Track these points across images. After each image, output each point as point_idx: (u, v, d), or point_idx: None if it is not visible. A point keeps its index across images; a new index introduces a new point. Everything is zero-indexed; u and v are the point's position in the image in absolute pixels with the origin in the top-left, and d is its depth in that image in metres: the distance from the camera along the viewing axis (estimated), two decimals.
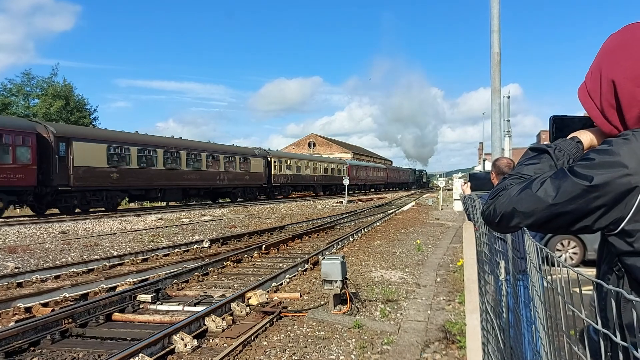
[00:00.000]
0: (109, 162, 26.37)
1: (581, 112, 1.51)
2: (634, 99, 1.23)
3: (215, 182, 35.63)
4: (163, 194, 31.16)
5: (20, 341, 5.70)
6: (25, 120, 24.35)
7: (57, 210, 24.54)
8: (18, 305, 7.28)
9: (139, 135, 30.59)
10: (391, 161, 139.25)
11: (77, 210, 24.90)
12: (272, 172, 43.37)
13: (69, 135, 24.43)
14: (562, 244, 10.19)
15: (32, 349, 5.79)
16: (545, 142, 1.45)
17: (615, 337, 0.90)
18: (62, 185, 23.54)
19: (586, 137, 1.41)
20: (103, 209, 25.97)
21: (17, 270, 10.36)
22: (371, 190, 72.29)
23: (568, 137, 1.42)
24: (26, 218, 22.43)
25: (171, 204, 33.06)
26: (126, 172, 27.50)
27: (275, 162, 44.00)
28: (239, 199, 38.75)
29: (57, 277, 9.84)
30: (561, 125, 1.51)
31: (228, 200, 38.38)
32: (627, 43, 1.26)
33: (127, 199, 29.68)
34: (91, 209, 25.93)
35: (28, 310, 7.28)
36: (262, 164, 41.78)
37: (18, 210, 25.86)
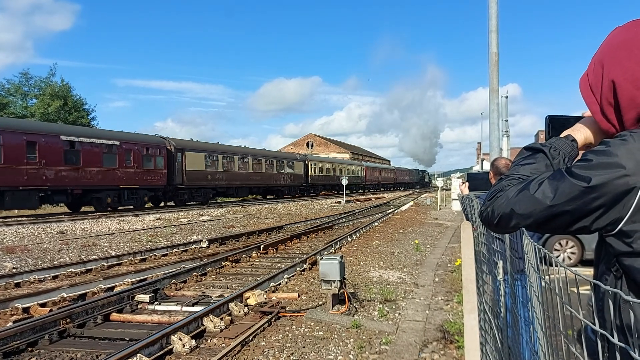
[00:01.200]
0: (205, 167, 35.06)
1: (578, 112, 1.51)
2: (632, 101, 1.23)
3: (270, 182, 44.38)
4: (237, 191, 39.76)
5: (18, 341, 5.69)
6: (159, 137, 32.58)
7: (183, 203, 34.00)
8: (16, 305, 7.27)
9: (222, 145, 40.05)
10: (389, 161, 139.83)
11: (187, 203, 34.20)
12: (310, 174, 52.07)
13: (183, 147, 33.14)
14: (560, 243, 10.20)
15: (30, 349, 5.78)
16: (540, 142, 1.45)
17: (613, 337, 0.90)
18: (179, 184, 32.44)
19: (580, 136, 1.41)
20: (199, 202, 34.27)
21: (15, 270, 10.34)
22: (381, 189, 79.63)
23: (562, 136, 1.42)
24: (24, 218, 22.40)
25: (169, 204, 33.80)
26: (215, 174, 36.18)
27: (311, 165, 52.43)
28: (285, 196, 46.98)
29: (55, 277, 9.84)
30: (557, 125, 1.51)
31: (274, 196, 46.10)
32: (630, 42, 1.25)
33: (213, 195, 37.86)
34: (188, 202, 34.45)
35: (26, 310, 7.27)
36: (302, 166, 50.36)
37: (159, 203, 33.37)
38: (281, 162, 46.35)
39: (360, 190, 67.16)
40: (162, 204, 33.04)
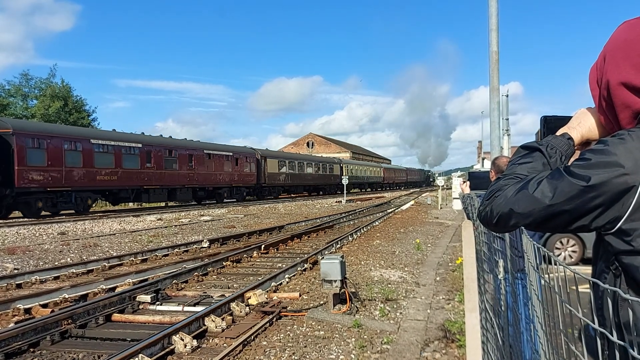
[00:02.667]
0: (278, 170, 45.77)
1: (574, 112, 1.51)
2: (623, 102, 1.24)
3: (318, 181, 55.49)
4: (296, 189, 50.67)
5: (19, 342, 5.70)
6: (250, 149, 42.81)
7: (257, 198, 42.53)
8: (17, 306, 7.28)
9: (286, 153, 54.86)
10: (390, 160, 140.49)
11: (268, 197, 44.05)
12: (345, 175, 56.00)
13: (265, 155, 43.87)
14: (561, 242, 10.20)
15: (31, 350, 5.79)
16: (537, 140, 1.44)
17: (612, 336, 0.90)
18: (263, 183, 43.02)
19: (576, 134, 1.41)
20: (235, 200, 39.13)
21: (16, 271, 10.36)
22: (395, 187, 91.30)
23: (558, 134, 1.42)
24: (25, 219, 22.43)
25: (170, 204, 34.32)
26: (284, 176, 46.72)
27: (345, 167, 63.26)
28: (327, 194, 55.44)
29: (56, 278, 9.85)
30: (551, 125, 1.51)
31: (321, 193, 56.48)
32: (631, 43, 1.24)
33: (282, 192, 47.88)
34: (267, 197, 44.35)
35: (27, 311, 7.28)
36: (338, 168, 60.94)
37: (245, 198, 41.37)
38: (325, 166, 58.18)
39: (379, 188, 79.60)
40: (235, 199, 41.04)
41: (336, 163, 62.37)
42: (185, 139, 36.28)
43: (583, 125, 1.42)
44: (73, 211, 25.39)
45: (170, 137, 34.10)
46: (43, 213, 23.95)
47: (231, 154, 38.62)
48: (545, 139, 1.41)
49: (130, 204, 33.78)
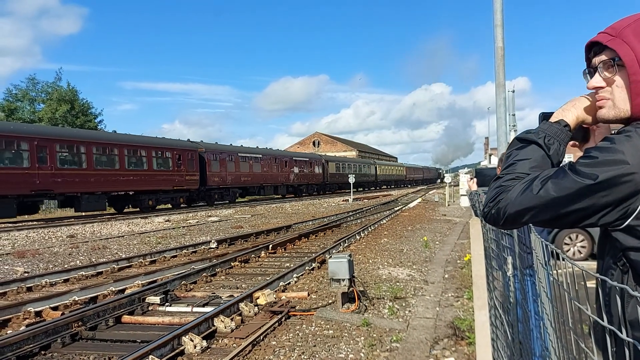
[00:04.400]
0: (336, 170, 58.12)
1: None
2: None
3: (361, 179, 66.35)
4: (343, 186, 59.75)
5: (31, 345, 5.75)
6: (318, 155, 56.75)
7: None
8: (28, 309, 7.33)
9: (338, 157, 66.11)
10: (397, 158, 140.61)
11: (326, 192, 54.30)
12: (378, 173, 75.38)
13: (327, 160, 57.02)
14: (570, 237, 10.14)
15: (43, 352, 5.83)
16: (531, 129, 1.41)
17: (621, 332, 0.90)
18: (326, 182, 55.45)
19: (571, 116, 1.38)
20: (332, 191, 49.54)
21: (26, 274, 10.44)
22: (413, 184, 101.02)
23: (552, 120, 1.39)
24: (34, 222, 22.59)
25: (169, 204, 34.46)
26: (337, 175, 57.63)
27: (381, 167, 78.34)
28: (364, 190, 65.90)
29: (66, 280, 9.91)
30: None
31: (360, 189, 66.53)
32: None
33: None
34: (328, 192, 56.18)
35: (38, 314, 7.33)
36: (374, 169, 74.07)
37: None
38: (364, 165, 70.97)
39: (402, 185, 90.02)
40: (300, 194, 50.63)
41: (372, 164, 76.08)
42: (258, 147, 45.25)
43: (578, 106, 1.39)
44: (227, 201, 37.77)
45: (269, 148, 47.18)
46: (216, 203, 36.21)
47: (307, 159, 51.37)
48: (540, 127, 1.38)
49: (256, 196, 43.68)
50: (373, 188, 70.71)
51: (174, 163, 31.18)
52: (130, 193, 28.59)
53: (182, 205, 32.58)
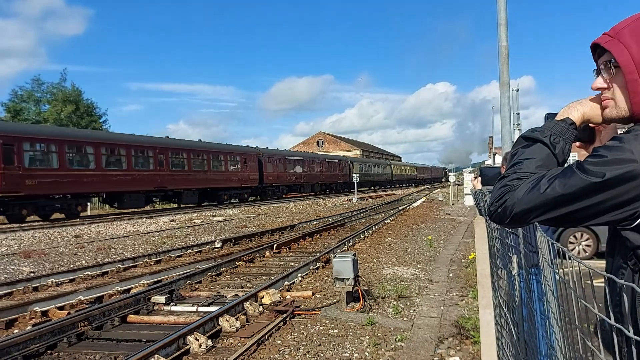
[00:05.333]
0: (359, 170, 60.74)
1: None
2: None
3: (380, 178, 74.26)
4: (375, 184, 71.22)
5: (37, 344, 5.78)
6: (345, 157, 64.16)
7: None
8: (34, 309, 7.37)
9: (365, 159, 75.87)
10: (401, 157, 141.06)
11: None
12: (393, 173, 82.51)
13: (353, 161, 63.70)
14: (575, 236, 10.12)
15: (49, 352, 5.86)
16: (537, 127, 1.40)
17: (629, 331, 0.90)
18: (350, 180, 51.72)
19: (577, 113, 1.38)
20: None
21: (32, 274, 10.49)
22: (422, 183, 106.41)
23: (558, 118, 1.38)
24: (40, 223, 22.69)
25: (182, 205, 34.60)
26: (361, 174, 55.68)
27: (396, 167, 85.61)
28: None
29: (72, 280, 9.95)
30: None
31: (378, 187, 73.04)
32: None
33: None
34: (352, 189, 53.38)
35: (44, 313, 7.36)
36: (390, 168, 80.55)
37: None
38: (384, 166, 78.90)
39: (412, 185, 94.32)
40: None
41: (388, 164, 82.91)
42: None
43: (584, 104, 1.38)
44: (276, 197, 43.41)
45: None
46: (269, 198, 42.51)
47: (336, 161, 60.18)
48: (545, 125, 1.38)
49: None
50: (389, 186, 78.70)
51: (242, 165, 38.82)
52: (207, 189, 35.13)
53: (249, 200, 41.22)
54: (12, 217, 22.26)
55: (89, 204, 28.80)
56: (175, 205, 34.09)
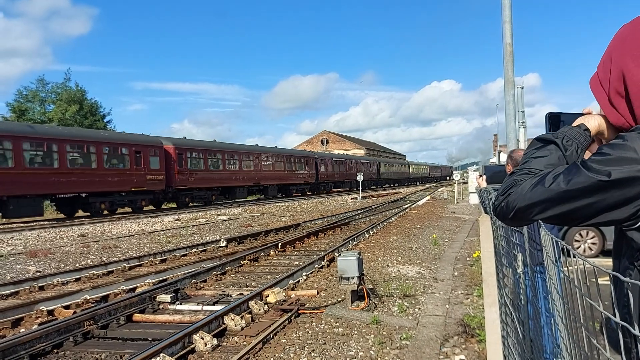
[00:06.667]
0: (385, 169, 72.91)
1: (586, 105, 1.49)
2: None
3: (399, 176, 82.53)
4: (392, 182, 79.14)
5: (43, 343, 5.81)
6: (374, 158, 76.00)
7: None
8: (41, 308, 7.41)
9: (386, 160, 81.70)
10: (405, 155, 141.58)
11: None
12: (411, 171, 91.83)
13: (380, 162, 74.40)
14: (580, 234, 10.08)
15: (55, 351, 5.90)
16: (552, 132, 1.42)
17: (634, 329, 0.89)
18: (379, 178, 71.15)
19: (593, 123, 1.38)
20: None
21: (38, 273, 10.54)
22: (433, 180, 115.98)
23: (574, 125, 1.39)
24: (46, 222, 22.80)
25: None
26: (387, 172, 71.96)
27: (413, 167, 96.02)
28: (399, 185, 77.55)
29: (77, 279, 9.99)
30: (556, 122, 1.50)
31: (396, 184, 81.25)
32: (638, 31, 1.24)
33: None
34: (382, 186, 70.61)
35: (50, 312, 7.40)
36: (408, 167, 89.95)
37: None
38: (403, 166, 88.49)
39: (426, 181, 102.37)
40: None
41: (406, 164, 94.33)
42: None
43: (602, 117, 1.39)
44: (326, 191, 53.44)
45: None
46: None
47: (343, 160, 62.14)
48: (561, 129, 1.39)
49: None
50: (407, 183, 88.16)
51: (305, 165, 49.25)
52: (275, 185, 44.17)
53: (307, 193, 50.09)
54: (181, 203, 32.67)
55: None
56: (263, 196, 43.36)
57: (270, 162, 43.46)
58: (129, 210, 28.58)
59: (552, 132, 1.40)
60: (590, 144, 1.38)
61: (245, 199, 40.82)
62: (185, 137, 35.71)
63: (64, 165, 23.86)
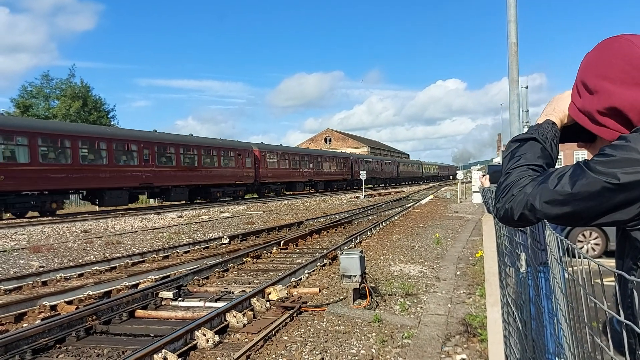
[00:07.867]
0: (403, 168, 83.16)
1: None
2: (633, 105, 1.22)
3: (413, 175, 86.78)
4: (404, 180, 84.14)
5: (46, 338, 5.83)
6: (390, 158, 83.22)
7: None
8: (43, 303, 7.43)
9: (405, 160, 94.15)
10: (408, 154, 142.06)
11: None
12: (423, 171, 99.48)
13: (399, 162, 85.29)
14: (583, 235, 10.06)
15: (57, 346, 5.92)
16: (523, 132, 1.51)
17: (639, 328, 0.89)
18: (398, 176, 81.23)
19: (555, 119, 1.46)
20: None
21: (41, 269, 10.58)
22: (441, 179, 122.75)
23: (540, 121, 1.47)
24: (50, 218, 22.88)
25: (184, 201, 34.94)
26: (405, 171, 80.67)
27: (425, 166, 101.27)
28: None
29: (80, 275, 10.02)
30: None
31: (410, 182, 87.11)
32: (602, 53, 1.31)
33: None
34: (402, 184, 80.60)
35: (53, 308, 7.43)
36: (421, 167, 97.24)
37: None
38: (417, 165, 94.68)
39: (436, 180, 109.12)
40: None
41: (419, 164, 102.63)
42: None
43: (558, 110, 1.46)
44: (357, 187, 57.54)
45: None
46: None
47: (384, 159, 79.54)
48: (531, 128, 1.47)
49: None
50: (420, 182, 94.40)
51: (345, 166, 59.48)
52: (322, 181, 53.51)
53: (346, 188, 59.32)
54: (261, 194, 41.96)
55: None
56: (315, 191, 51.54)
57: (320, 162, 53.72)
58: (229, 199, 37.08)
59: (524, 132, 1.48)
60: (559, 135, 1.45)
61: (301, 192, 49.65)
62: (262, 143, 45.84)
63: (196, 163, 34.12)
